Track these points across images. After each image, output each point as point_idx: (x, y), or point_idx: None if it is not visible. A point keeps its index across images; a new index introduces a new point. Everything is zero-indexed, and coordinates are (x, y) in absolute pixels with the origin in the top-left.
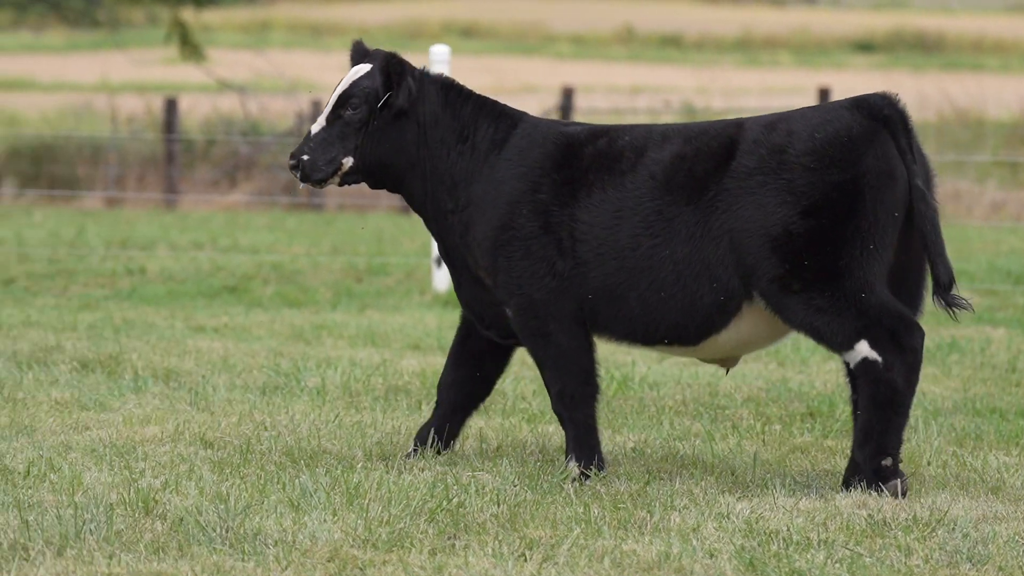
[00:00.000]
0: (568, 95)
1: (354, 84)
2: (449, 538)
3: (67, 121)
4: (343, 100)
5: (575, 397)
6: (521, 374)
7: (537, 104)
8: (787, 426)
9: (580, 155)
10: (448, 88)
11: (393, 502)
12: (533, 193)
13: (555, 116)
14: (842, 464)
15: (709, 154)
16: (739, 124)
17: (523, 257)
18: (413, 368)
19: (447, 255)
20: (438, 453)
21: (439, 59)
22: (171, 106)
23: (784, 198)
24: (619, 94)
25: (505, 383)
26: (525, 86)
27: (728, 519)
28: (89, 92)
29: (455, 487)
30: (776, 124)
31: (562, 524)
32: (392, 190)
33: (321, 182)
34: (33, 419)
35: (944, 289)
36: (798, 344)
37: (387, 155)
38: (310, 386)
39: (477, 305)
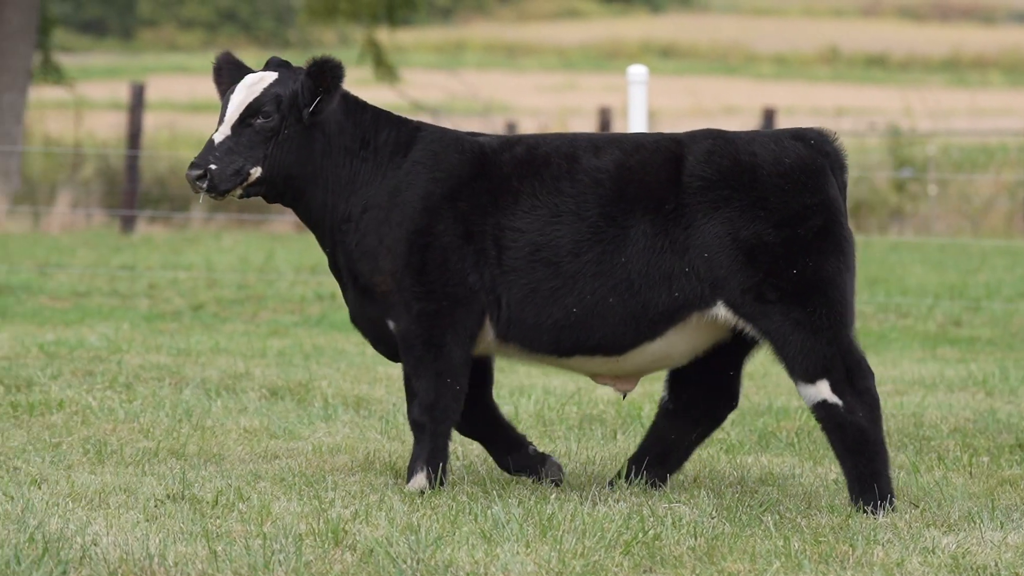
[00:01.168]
0: (769, 117)
1: (265, 92)
2: (645, 571)
3: None
4: (254, 108)
5: (446, 411)
6: None
7: (738, 126)
8: (995, 458)
9: (498, 163)
10: (346, 97)
11: (587, 534)
12: (453, 200)
13: None
14: None
15: (655, 167)
16: (676, 139)
17: (439, 265)
18: (608, 397)
19: (337, 270)
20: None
21: (637, 80)
22: None
23: (756, 213)
24: (822, 116)
25: None
26: (725, 107)
27: (933, 554)
28: None
29: (651, 519)
30: (732, 140)
31: (761, 557)
32: (289, 203)
33: (225, 193)
34: (222, 447)
35: None
36: (1007, 373)
37: (294, 165)
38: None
39: (364, 321)
